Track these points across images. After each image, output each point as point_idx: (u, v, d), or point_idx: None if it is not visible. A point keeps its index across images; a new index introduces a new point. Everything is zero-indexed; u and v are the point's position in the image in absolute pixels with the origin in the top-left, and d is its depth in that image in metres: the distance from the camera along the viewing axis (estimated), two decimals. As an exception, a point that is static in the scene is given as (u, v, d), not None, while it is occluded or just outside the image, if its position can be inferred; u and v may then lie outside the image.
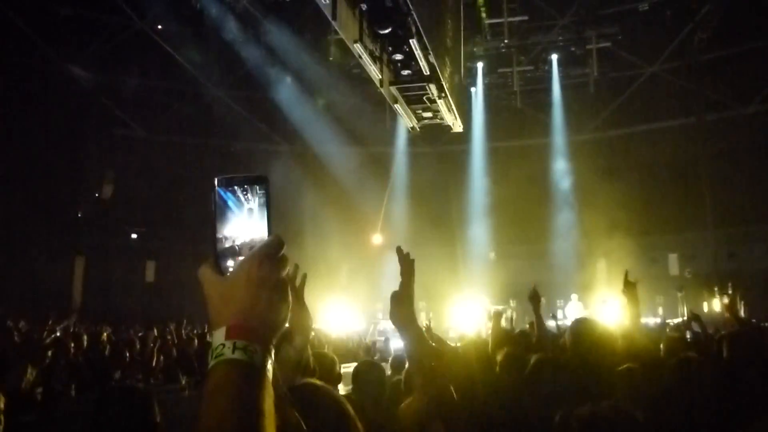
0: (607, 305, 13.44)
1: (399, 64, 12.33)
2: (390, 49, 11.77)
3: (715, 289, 15.11)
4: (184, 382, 6.90)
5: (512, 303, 17.34)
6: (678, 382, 2.91)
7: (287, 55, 17.84)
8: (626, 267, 4.38)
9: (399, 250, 2.15)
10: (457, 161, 20.81)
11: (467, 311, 16.73)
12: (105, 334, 8.92)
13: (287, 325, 1.01)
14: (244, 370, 0.90)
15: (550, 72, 18.92)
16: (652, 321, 13.28)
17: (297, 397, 1.77)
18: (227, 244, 1.00)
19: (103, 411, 2.27)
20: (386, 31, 10.90)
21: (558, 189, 19.20)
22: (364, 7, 10.38)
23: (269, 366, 0.94)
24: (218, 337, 0.93)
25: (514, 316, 16.39)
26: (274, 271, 0.97)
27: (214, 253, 1.00)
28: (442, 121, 16.45)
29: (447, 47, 13.46)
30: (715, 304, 14.64)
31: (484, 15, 17.75)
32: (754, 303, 13.36)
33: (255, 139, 20.52)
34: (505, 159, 19.90)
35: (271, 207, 1.01)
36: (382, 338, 13.11)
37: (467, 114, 19.22)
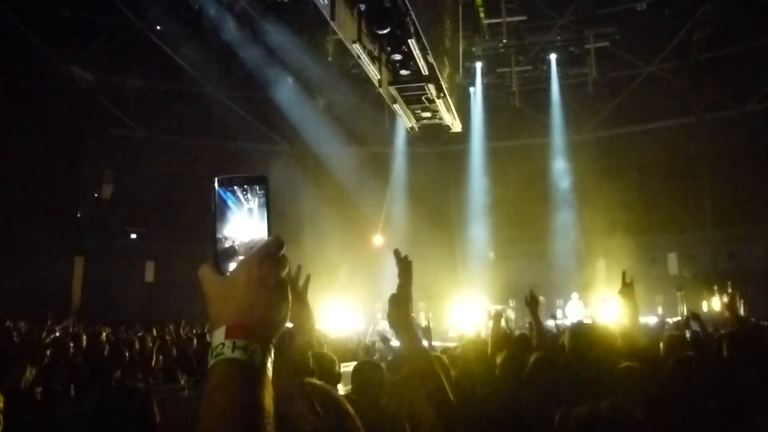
0: (606, 304, 13.45)
1: (398, 64, 12.34)
2: (389, 49, 11.77)
3: (715, 288, 15.10)
4: (183, 381, 6.90)
5: (512, 303, 17.39)
6: (677, 380, 2.91)
7: (286, 56, 17.83)
8: (626, 266, 4.39)
9: (397, 253, 2.16)
10: (456, 161, 20.81)
11: (467, 311, 16.75)
12: (104, 334, 8.92)
13: (290, 325, 1.01)
14: (243, 369, 0.90)
15: (548, 72, 18.92)
16: (652, 321, 13.30)
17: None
18: (227, 244, 1.00)
19: (103, 411, 2.28)
20: (385, 31, 10.90)
21: (557, 189, 19.20)
22: (362, 7, 10.39)
23: (269, 365, 0.94)
24: (218, 336, 0.94)
25: (513, 317, 16.48)
26: (274, 270, 0.97)
27: (214, 252, 1.00)
28: (441, 121, 16.46)
29: (446, 47, 13.47)
30: (715, 303, 14.63)
31: (482, 15, 17.74)
32: (753, 302, 13.37)
33: (254, 139, 20.52)
34: (504, 159, 19.90)
35: (270, 207, 1.01)
36: (381, 338, 13.09)
37: (466, 114, 19.21)
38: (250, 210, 1.01)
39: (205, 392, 0.90)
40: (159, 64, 18.40)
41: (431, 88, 13.08)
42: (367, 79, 12.72)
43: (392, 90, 13.12)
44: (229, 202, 1.01)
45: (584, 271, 17.71)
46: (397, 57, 11.99)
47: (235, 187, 1.01)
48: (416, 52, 11.36)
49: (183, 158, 19.74)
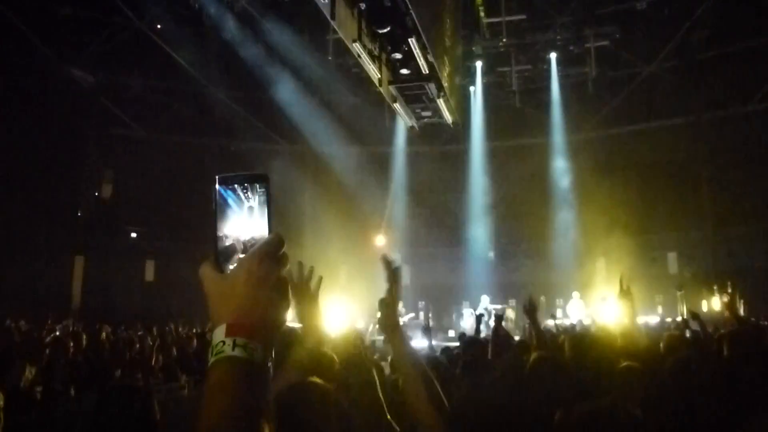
0: (606, 303, 13.46)
1: (398, 63, 12.35)
2: (389, 48, 11.79)
3: (715, 287, 15.09)
4: (183, 381, 6.91)
5: (512, 303, 17.39)
6: (677, 380, 2.91)
7: (286, 55, 17.82)
8: (626, 266, 4.43)
9: (385, 259, 2.21)
10: (456, 160, 20.80)
11: (467, 311, 16.77)
12: (104, 333, 8.93)
13: (300, 324, 1.02)
14: (243, 367, 0.91)
15: (548, 71, 18.90)
16: (653, 320, 13.30)
17: (296, 395, 1.78)
18: (228, 243, 1.00)
19: (103, 410, 2.28)
20: (385, 30, 10.92)
21: (557, 188, 19.18)
22: (362, 6, 10.40)
23: (269, 363, 0.94)
24: (218, 334, 0.94)
25: (513, 316, 16.49)
26: (275, 268, 0.97)
27: (215, 251, 1.00)
28: (441, 120, 16.47)
29: (446, 46, 13.47)
30: (715, 303, 14.63)
31: (482, 14, 17.74)
32: (753, 302, 13.37)
33: (254, 139, 20.51)
34: (504, 158, 19.90)
35: (271, 205, 1.01)
36: (382, 337, 13.10)
37: (466, 113, 19.23)
38: (251, 208, 1.01)
39: (206, 390, 0.90)
40: (159, 64, 18.37)
41: (431, 87, 13.11)
42: (368, 78, 12.73)
43: (392, 89, 13.14)
44: (230, 201, 1.01)
45: (584, 271, 17.71)
46: (398, 56, 12.01)
47: (236, 186, 1.01)
48: (416, 51, 11.38)
49: (183, 158, 19.72)
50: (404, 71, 12.53)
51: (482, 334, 7.72)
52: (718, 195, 17.95)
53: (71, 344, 6.94)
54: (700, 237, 18.36)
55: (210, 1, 16.92)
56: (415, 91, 14.23)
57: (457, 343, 7.31)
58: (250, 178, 1.02)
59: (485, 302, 15.65)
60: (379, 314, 2.21)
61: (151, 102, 19.37)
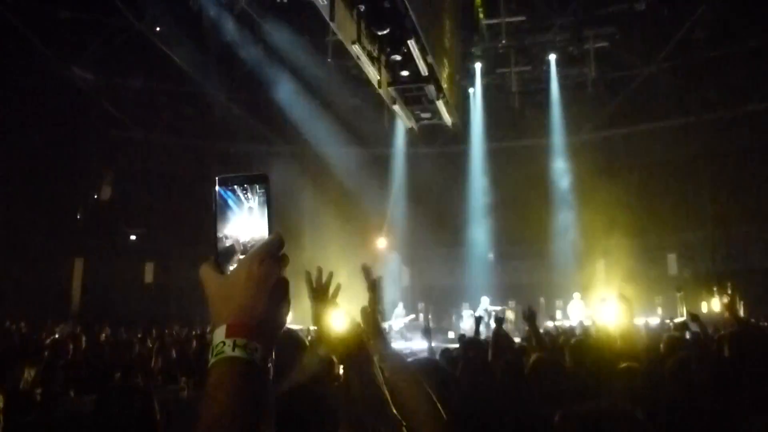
0: (606, 304, 13.45)
1: (397, 65, 12.35)
2: (388, 49, 11.78)
3: (714, 289, 15.11)
4: (183, 382, 6.89)
5: (512, 304, 17.39)
6: (677, 380, 2.91)
7: (286, 56, 17.83)
8: (625, 266, 4.48)
9: (364, 268, 2.30)
10: (455, 162, 20.80)
11: (466, 312, 16.76)
12: (104, 335, 8.92)
13: (314, 328, 1.03)
14: (243, 367, 0.91)
15: (548, 72, 18.90)
16: (652, 321, 13.29)
17: (299, 398, 1.78)
18: (228, 243, 1.00)
19: (103, 411, 2.28)
20: (384, 31, 10.92)
21: (557, 189, 19.19)
22: (362, 8, 10.40)
23: (269, 364, 0.94)
24: (218, 335, 0.94)
25: (513, 317, 16.48)
26: (275, 269, 0.97)
27: (215, 252, 1.00)
28: (440, 122, 16.48)
29: (445, 48, 13.48)
30: (715, 304, 14.63)
31: (481, 15, 17.75)
32: (753, 302, 13.38)
33: (254, 140, 20.52)
34: (503, 159, 19.89)
35: (271, 205, 1.01)
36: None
37: (466, 114, 19.23)
38: (251, 209, 1.01)
39: (206, 390, 0.90)
40: (159, 66, 18.38)
41: (431, 89, 13.10)
42: (367, 80, 12.72)
43: (392, 90, 13.14)
44: (230, 201, 1.01)
45: (584, 272, 17.71)
46: (397, 58, 12.00)
47: (236, 186, 1.01)
48: (416, 53, 11.38)
49: (182, 160, 19.73)
50: (403, 73, 12.53)
51: (482, 336, 7.72)
52: (718, 196, 17.95)
53: (71, 346, 6.94)
54: (699, 238, 18.35)
55: (209, 2, 16.92)
56: (414, 92, 14.24)
57: (457, 345, 7.30)
58: (250, 178, 1.02)
59: (485, 303, 15.65)
60: (361, 321, 2.27)
61: (151, 103, 19.37)
